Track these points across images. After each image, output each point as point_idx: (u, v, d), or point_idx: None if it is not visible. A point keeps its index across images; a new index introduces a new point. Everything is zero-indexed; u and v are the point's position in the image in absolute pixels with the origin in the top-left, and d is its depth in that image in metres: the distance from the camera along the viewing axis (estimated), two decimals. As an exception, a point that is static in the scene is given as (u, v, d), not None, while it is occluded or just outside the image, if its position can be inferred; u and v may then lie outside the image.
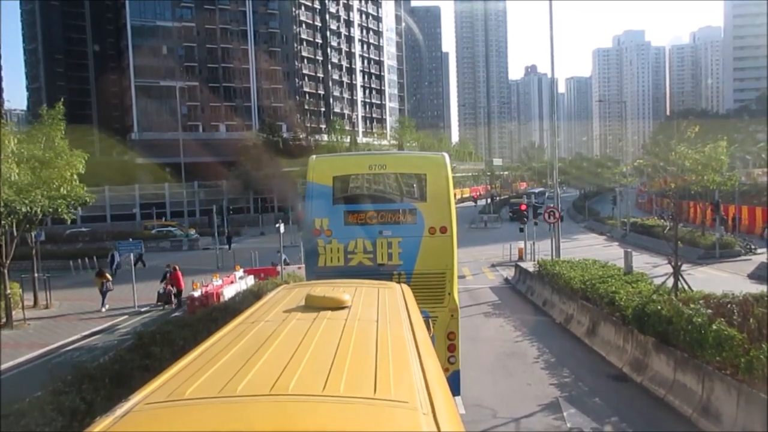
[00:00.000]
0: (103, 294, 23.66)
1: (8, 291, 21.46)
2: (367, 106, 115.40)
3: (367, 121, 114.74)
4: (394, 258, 9.40)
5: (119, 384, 9.01)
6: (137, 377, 8.89)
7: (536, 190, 75.59)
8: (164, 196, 66.53)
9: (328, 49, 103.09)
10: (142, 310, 23.49)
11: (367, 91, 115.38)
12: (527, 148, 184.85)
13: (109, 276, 24.82)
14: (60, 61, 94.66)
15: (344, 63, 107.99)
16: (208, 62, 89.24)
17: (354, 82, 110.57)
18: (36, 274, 25.16)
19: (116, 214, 62.61)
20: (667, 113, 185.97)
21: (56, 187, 21.56)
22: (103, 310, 23.32)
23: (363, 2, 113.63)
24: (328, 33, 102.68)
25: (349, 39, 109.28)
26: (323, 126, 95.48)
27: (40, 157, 21.46)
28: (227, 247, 43.31)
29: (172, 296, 24.18)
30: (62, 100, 24.33)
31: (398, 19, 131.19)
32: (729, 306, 11.07)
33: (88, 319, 22.13)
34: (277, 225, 29.43)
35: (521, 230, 32.51)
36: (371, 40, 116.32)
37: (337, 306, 3.98)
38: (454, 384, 9.21)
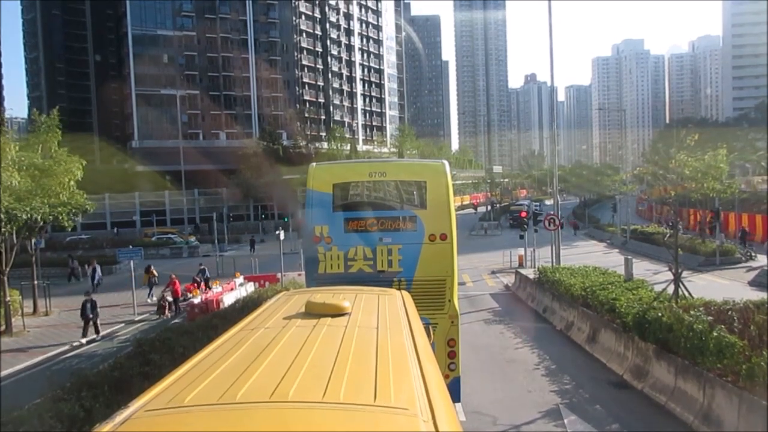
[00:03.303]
0: (150, 286, 26.60)
1: (8, 298, 21.46)
2: (367, 114, 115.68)
3: (367, 129, 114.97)
4: (394, 265, 9.40)
5: (118, 391, 8.99)
6: (137, 384, 8.87)
7: (525, 202, 75.33)
8: (164, 203, 66.61)
9: (329, 58, 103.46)
10: (136, 319, 23.32)
11: (367, 100, 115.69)
12: (527, 156, 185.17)
13: (155, 272, 26.74)
14: (61, 70, 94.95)
15: (344, 71, 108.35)
16: (209, 71, 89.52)
17: (354, 90, 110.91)
18: (36, 282, 25.15)
19: (117, 222, 62.66)
20: (667, 121, 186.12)
21: (56, 194, 21.59)
22: (149, 300, 25.67)
23: (363, 11, 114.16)
24: (328, 42, 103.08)
25: (350, 48, 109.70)
26: (323, 134, 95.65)
27: (39, 164, 21.50)
28: (250, 249, 45.92)
29: (169, 305, 23.95)
30: (57, 107, 24.52)
31: (398, 28, 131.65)
32: (729, 313, 11.06)
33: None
34: (277, 232, 29.46)
35: (521, 237, 32.51)
36: (371, 49, 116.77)
37: (337, 313, 3.98)
38: (455, 391, 9.19)
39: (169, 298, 24.01)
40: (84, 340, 19.62)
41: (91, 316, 19.90)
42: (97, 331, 20.27)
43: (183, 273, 28.85)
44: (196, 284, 26.58)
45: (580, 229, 55.31)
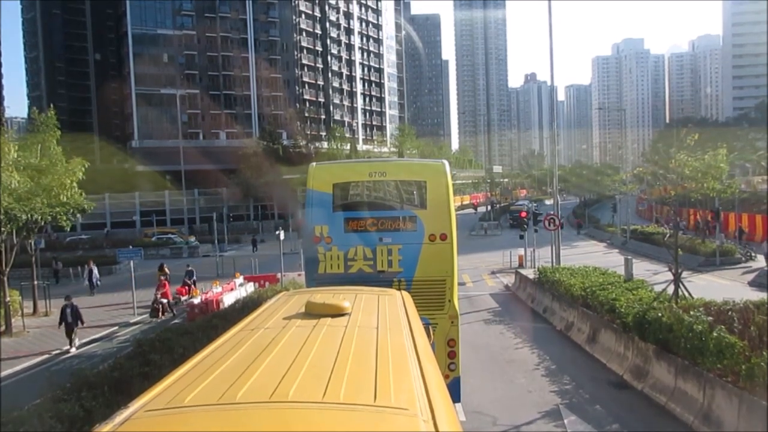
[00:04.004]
0: None
1: (8, 298, 21.45)
2: (367, 114, 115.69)
3: (367, 129, 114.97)
4: (394, 265, 9.39)
5: (118, 391, 8.99)
6: (136, 385, 8.87)
7: (523, 202, 75.29)
8: (164, 203, 66.62)
9: (329, 57, 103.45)
10: (131, 321, 23.15)
11: (367, 99, 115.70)
12: (527, 156, 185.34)
13: (167, 270, 26.23)
14: (61, 69, 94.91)
15: (344, 71, 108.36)
16: (209, 70, 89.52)
17: (354, 89, 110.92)
18: (35, 282, 25.11)
19: (117, 222, 62.67)
20: (667, 121, 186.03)
21: (56, 194, 21.55)
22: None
23: (363, 10, 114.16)
24: (328, 41, 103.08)
25: (350, 47, 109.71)
26: (323, 133, 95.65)
27: (37, 165, 21.46)
28: (252, 249, 46.59)
29: (162, 308, 23.61)
30: (53, 105, 24.40)
31: (398, 27, 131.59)
32: (729, 313, 11.05)
33: (87, 327, 22.03)
34: (277, 232, 29.41)
35: (521, 237, 32.49)
36: (371, 48, 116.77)
37: (337, 313, 3.98)
38: (455, 391, 9.19)
39: (163, 300, 23.86)
40: (75, 347, 18.73)
41: (70, 321, 18.42)
42: (70, 342, 18.67)
43: (182, 274, 28.80)
44: (187, 287, 26.51)
45: (582, 228, 55.35)
